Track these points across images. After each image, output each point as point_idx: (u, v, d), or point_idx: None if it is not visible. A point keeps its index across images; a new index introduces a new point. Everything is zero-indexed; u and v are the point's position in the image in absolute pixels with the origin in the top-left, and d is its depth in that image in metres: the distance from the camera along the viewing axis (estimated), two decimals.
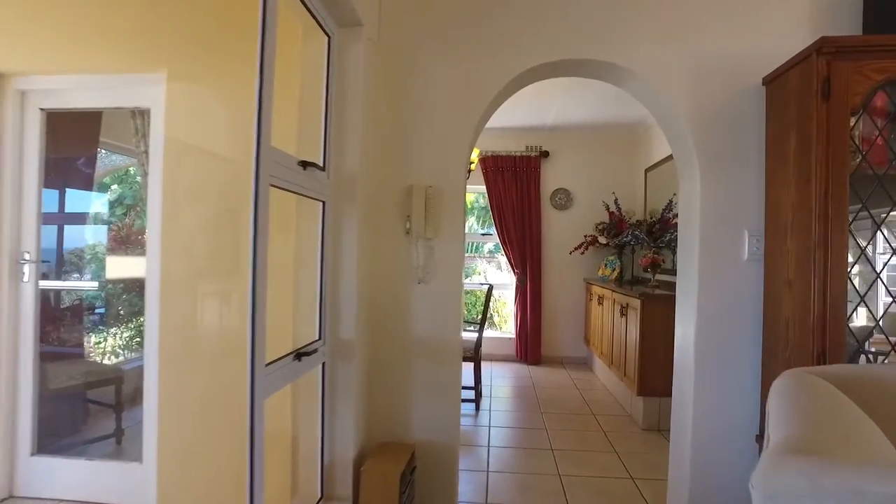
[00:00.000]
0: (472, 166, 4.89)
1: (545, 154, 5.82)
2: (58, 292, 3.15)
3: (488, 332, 6.23)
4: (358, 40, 2.06)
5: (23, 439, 2.47)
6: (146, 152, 2.51)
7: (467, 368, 4.12)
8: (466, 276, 7.16)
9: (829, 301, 1.69)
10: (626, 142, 5.80)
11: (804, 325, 1.77)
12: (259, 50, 1.39)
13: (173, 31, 2.30)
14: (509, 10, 2.26)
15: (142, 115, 2.54)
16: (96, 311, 3.46)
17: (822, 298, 1.70)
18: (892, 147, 1.76)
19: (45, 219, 2.65)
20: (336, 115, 2.04)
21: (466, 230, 7.02)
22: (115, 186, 3.48)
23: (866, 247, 1.74)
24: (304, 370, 1.81)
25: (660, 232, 4.63)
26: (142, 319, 2.73)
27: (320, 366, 1.99)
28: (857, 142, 1.75)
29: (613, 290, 4.45)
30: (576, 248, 5.52)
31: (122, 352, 3.48)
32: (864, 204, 1.72)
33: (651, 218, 5.02)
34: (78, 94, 2.55)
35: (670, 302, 2.56)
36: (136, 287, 3.20)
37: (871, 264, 1.77)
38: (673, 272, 3.62)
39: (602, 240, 5.40)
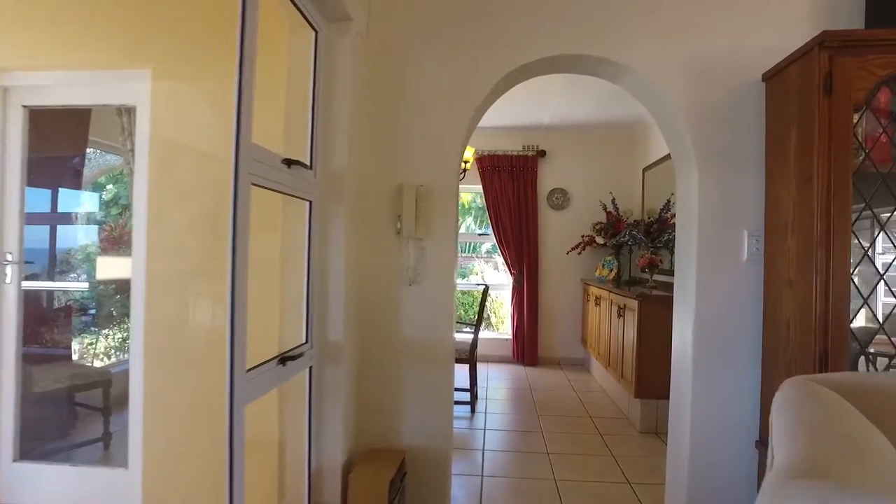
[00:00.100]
0: (468, 165, 4.84)
1: (542, 153, 5.77)
2: (46, 293, 3.10)
3: (485, 333, 6.18)
4: (346, 35, 2.00)
5: (4, 445, 2.41)
6: (132, 151, 2.45)
7: (463, 370, 4.08)
8: (464, 277, 7.12)
9: (831, 302, 1.64)
10: (623, 141, 5.75)
11: (805, 327, 1.72)
12: (239, 41, 1.33)
13: (158, 27, 2.26)
14: (504, 4, 2.20)
15: (128, 112, 2.49)
16: (89, 312, 3.41)
17: (824, 299, 1.65)
18: None
19: (29, 219, 2.58)
20: (323, 113, 1.99)
21: (463, 230, 7.06)
22: (110, 186, 3.43)
23: (870, 247, 1.69)
24: (289, 375, 1.75)
25: (657, 232, 4.58)
26: None
27: (307, 370, 1.93)
28: (860, 139, 1.69)
29: (611, 291, 4.40)
30: (573, 249, 5.46)
31: (113, 354, 3.42)
32: (867, 203, 1.66)
33: (649, 218, 4.97)
34: (62, 90, 2.48)
35: (668, 303, 2.51)
36: (127, 288, 3.15)
37: (874, 265, 1.71)
38: (671, 273, 3.57)
39: (599, 240, 5.35)
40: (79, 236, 3.32)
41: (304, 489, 1.96)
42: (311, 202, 1.91)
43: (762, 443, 2.03)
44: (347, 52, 2.00)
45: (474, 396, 4.17)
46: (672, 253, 4.09)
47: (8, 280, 2.47)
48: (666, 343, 2.49)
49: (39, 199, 3.04)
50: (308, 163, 1.91)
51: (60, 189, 3.10)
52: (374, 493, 1.90)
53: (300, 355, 1.77)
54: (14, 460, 2.42)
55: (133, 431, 2.20)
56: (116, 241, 3.23)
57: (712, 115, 2.11)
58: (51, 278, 3.13)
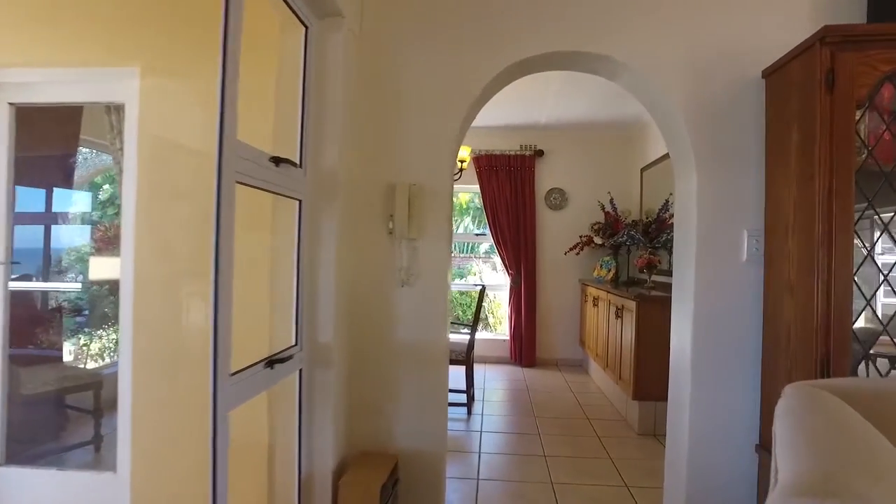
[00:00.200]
0: (465, 165, 4.79)
1: (540, 153, 5.73)
2: (37, 294, 3.06)
3: (482, 334, 6.14)
4: (337, 31, 1.96)
5: None
6: (121, 149, 2.41)
7: (460, 371, 4.04)
8: (462, 277, 7.08)
9: (833, 304, 1.60)
10: (621, 140, 5.71)
11: (807, 329, 1.68)
12: (222, 33, 1.29)
13: (147, 23, 2.22)
14: (500, 0, 2.16)
15: (117, 110, 2.45)
16: (83, 313, 3.37)
17: (825, 301, 1.61)
18: None
19: (16, 219, 2.54)
20: (314, 110, 1.94)
21: (461, 231, 7.02)
22: (106, 186, 3.40)
23: (873, 247, 1.65)
24: (277, 378, 1.70)
25: (656, 232, 4.55)
26: None
27: (297, 372, 1.89)
28: (862, 136, 1.65)
29: (609, 292, 4.36)
30: (571, 249, 5.42)
31: (108, 355, 3.38)
32: (870, 202, 1.62)
33: (647, 218, 4.93)
34: (49, 88, 2.44)
35: (666, 304, 2.47)
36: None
37: (877, 265, 1.67)
38: (670, 273, 3.53)
39: (597, 240, 5.32)
40: (70, 236, 3.28)
41: (294, 495, 1.91)
42: (300, 201, 1.87)
43: (762, 446, 1.99)
44: (339, 48, 1.96)
45: (471, 398, 4.12)
46: (670, 253, 4.05)
47: None
48: (664, 344, 2.45)
49: (34, 199, 3.00)
50: (298, 161, 1.87)
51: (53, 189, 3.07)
52: (365, 499, 1.86)
53: (289, 358, 1.72)
54: (0, 464, 2.37)
55: (122, 434, 2.16)
56: (111, 242, 3.20)
57: (711, 113, 2.07)
58: (45, 279, 3.09)
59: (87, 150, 3.15)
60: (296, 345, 1.86)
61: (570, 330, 5.76)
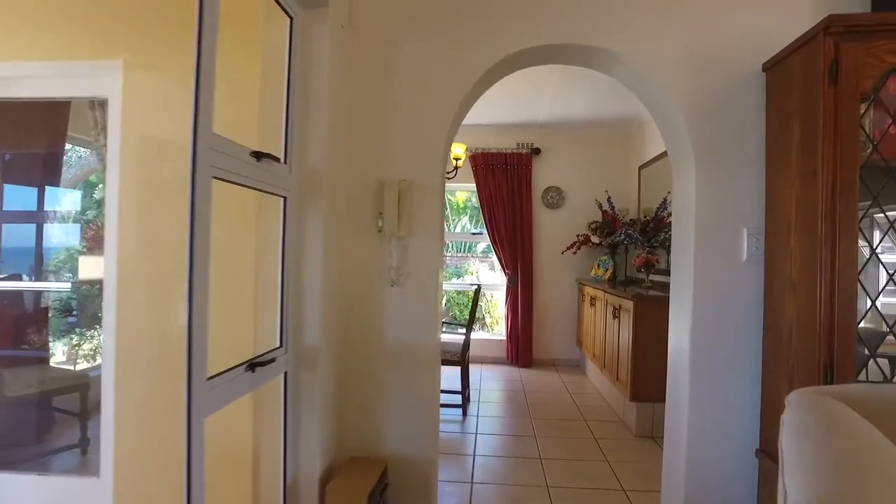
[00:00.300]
0: (460, 163, 4.73)
1: (536, 151, 5.66)
2: (24, 294, 3.00)
3: (478, 334, 6.08)
4: (323, 22, 1.89)
5: None
6: (105, 145, 2.34)
7: (455, 372, 3.98)
8: (458, 277, 7.02)
9: (836, 305, 1.54)
10: (619, 139, 5.65)
11: (809, 332, 1.62)
12: (197, 18, 1.22)
13: (131, 15, 2.16)
14: None
15: (101, 106, 2.38)
16: (73, 313, 3.31)
17: (829, 302, 1.55)
18: None
19: (5, 217, 2.48)
20: (300, 104, 1.88)
21: (458, 230, 6.96)
22: (101, 186, 3.34)
23: (877, 246, 1.59)
24: (260, 382, 1.64)
25: (654, 231, 4.49)
26: None
27: (282, 375, 1.82)
28: (867, 131, 1.59)
29: (606, 291, 4.30)
30: (568, 248, 5.36)
31: (98, 356, 3.32)
32: (875, 199, 1.56)
33: (645, 217, 4.87)
34: (28, 82, 2.37)
35: (664, 303, 2.41)
36: None
37: (882, 264, 1.61)
38: (667, 272, 3.47)
39: (595, 239, 5.25)
40: (59, 235, 3.22)
41: (280, 500, 1.85)
42: (285, 199, 1.81)
43: (763, 451, 1.93)
44: (325, 39, 1.90)
45: (466, 399, 4.06)
46: (669, 252, 3.99)
47: None
48: (662, 345, 2.40)
49: (27, 198, 2.94)
50: (283, 156, 1.81)
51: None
52: None
53: (272, 361, 1.66)
54: None
55: (105, 438, 2.10)
56: (102, 241, 3.13)
57: (710, 108, 2.01)
58: (38, 278, 3.03)
59: (84, 149, 3.08)
60: (280, 347, 1.79)
61: (566, 330, 5.70)
